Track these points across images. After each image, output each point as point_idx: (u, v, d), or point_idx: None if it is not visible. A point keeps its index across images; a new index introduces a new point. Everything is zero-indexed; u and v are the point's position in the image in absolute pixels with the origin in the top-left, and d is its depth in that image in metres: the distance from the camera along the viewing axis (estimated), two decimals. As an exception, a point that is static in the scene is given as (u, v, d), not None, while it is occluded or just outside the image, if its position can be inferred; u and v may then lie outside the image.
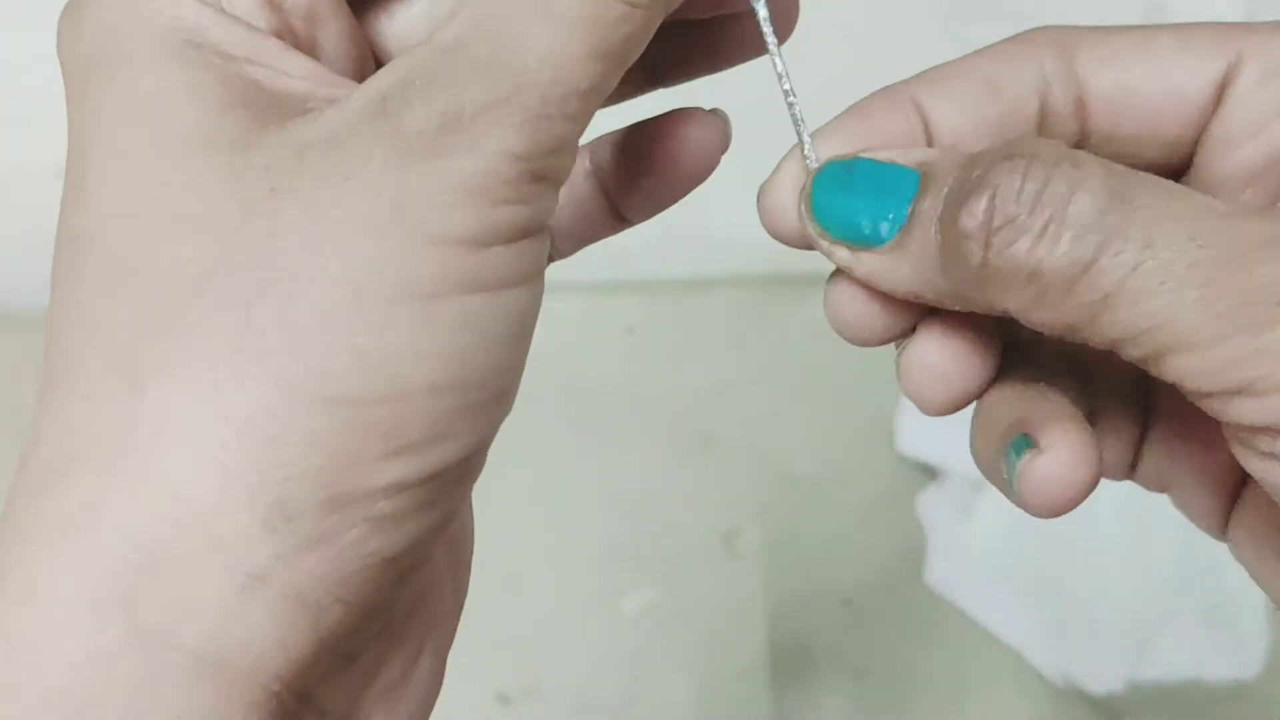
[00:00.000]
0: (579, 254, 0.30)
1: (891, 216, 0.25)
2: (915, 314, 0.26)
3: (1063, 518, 0.28)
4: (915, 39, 0.62)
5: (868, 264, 0.25)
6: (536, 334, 0.23)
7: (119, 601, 0.19)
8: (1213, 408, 0.22)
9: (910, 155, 0.25)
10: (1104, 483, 0.25)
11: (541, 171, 0.21)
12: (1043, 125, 0.26)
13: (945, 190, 0.24)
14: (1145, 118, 0.26)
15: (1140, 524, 0.67)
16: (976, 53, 0.26)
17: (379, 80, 0.21)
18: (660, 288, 0.79)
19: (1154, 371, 0.23)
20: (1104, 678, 0.64)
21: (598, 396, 0.74)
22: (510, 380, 0.22)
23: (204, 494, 0.20)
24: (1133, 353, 0.23)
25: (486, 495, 0.27)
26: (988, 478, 0.26)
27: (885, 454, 0.73)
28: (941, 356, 0.26)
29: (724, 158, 0.29)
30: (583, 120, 0.22)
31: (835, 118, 0.27)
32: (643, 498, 0.72)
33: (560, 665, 0.66)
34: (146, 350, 0.20)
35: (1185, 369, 0.22)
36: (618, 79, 0.22)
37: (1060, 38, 0.26)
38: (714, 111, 0.28)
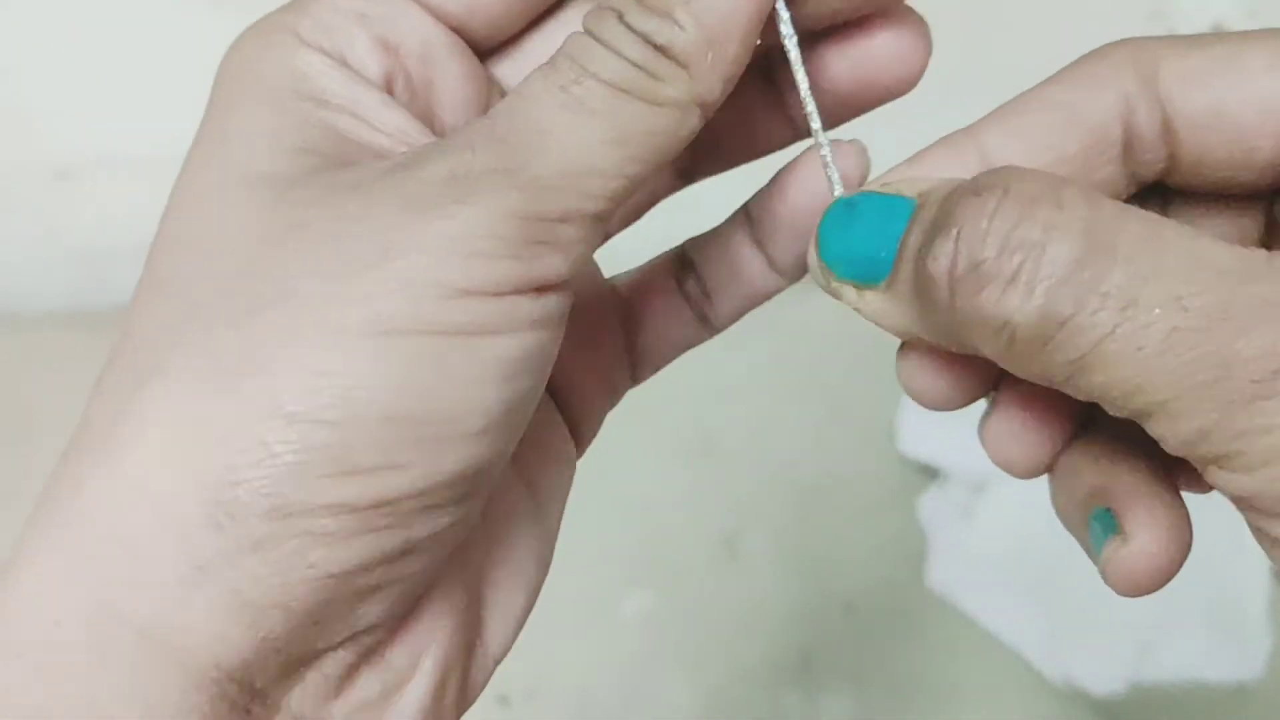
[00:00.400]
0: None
1: (885, 253, 0.23)
2: (989, 378, 0.25)
3: (1065, 519, 0.28)
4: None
5: (870, 304, 0.24)
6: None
7: (84, 576, 0.21)
8: (1197, 466, 0.22)
9: (915, 185, 0.24)
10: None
11: (541, 235, 0.22)
12: (1128, 152, 0.24)
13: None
14: (1237, 140, 0.24)
15: (1142, 526, 0.67)
16: (1050, 80, 0.25)
17: (423, 145, 0.23)
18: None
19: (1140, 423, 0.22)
20: (1106, 679, 0.64)
21: (598, 398, 0.73)
22: (491, 421, 0.22)
23: (165, 487, 0.21)
24: (1112, 411, 0.22)
25: (487, 496, 0.27)
26: (1070, 532, 0.25)
27: (886, 455, 0.73)
28: (1024, 421, 0.25)
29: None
30: (603, 199, 0.22)
31: (891, 169, 0.25)
32: (643, 500, 0.72)
33: (561, 668, 0.66)
34: (152, 356, 0.22)
35: (1164, 434, 0.21)
36: (651, 167, 0.23)
37: (1138, 54, 0.24)
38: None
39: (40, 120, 0.73)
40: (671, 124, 0.23)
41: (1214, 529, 0.73)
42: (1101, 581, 0.24)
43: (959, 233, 0.22)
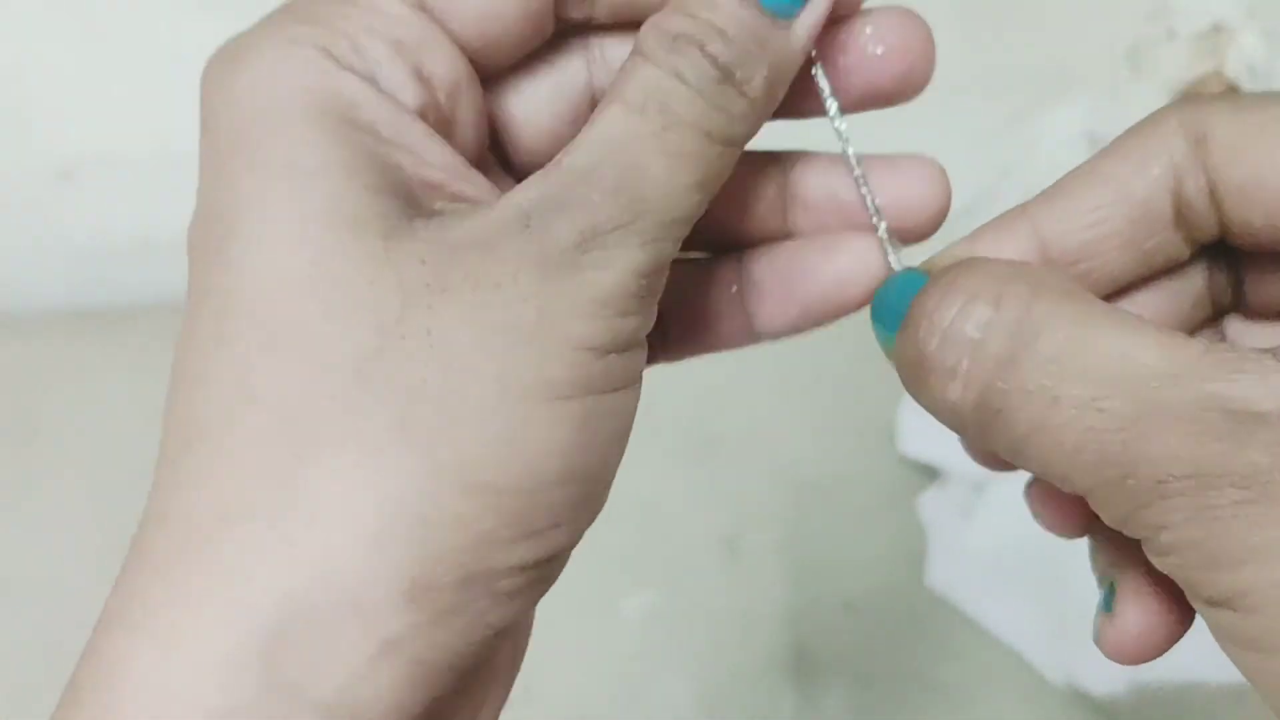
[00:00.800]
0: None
1: None
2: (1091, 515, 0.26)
3: (1065, 519, 0.29)
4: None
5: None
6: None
7: (259, 656, 0.21)
8: None
9: (937, 260, 0.26)
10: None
11: (653, 287, 0.23)
12: (1181, 220, 0.25)
13: None
14: (1277, 213, 0.24)
15: (1142, 526, 0.66)
16: (1103, 152, 0.26)
17: (520, 196, 0.23)
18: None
19: None
20: (1106, 679, 0.64)
21: (598, 398, 0.73)
22: (612, 475, 0.24)
23: (352, 564, 0.21)
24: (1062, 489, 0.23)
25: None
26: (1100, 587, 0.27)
27: (887, 455, 0.73)
28: (1055, 491, 0.26)
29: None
30: (680, 242, 0.24)
31: (947, 246, 0.27)
32: (643, 500, 0.72)
33: (560, 667, 0.66)
34: (310, 426, 0.21)
35: (1099, 513, 0.23)
36: (705, 208, 0.24)
37: (1190, 122, 0.25)
38: (875, 241, 0.27)
39: (40, 120, 0.73)
40: (731, 163, 0.24)
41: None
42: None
43: (911, 323, 0.24)
